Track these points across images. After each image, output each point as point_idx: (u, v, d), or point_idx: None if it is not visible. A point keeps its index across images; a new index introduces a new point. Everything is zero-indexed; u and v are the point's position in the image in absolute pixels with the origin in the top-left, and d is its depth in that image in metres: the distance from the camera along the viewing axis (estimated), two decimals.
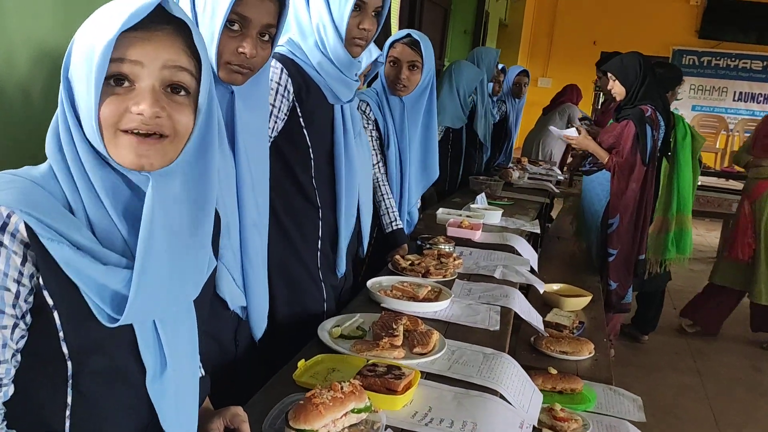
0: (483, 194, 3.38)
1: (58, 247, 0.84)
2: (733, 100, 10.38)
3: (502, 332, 1.74)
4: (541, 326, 2.05)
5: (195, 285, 1.00)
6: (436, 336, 1.58)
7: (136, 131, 0.87)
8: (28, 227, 0.83)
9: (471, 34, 5.89)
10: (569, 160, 6.74)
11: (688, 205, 3.81)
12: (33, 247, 0.84)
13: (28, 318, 0.87)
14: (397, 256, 2.20)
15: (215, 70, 1.28)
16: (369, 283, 1.93)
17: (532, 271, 2.44)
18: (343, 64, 1.66)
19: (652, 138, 3.29)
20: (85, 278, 0.86)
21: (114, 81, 0.86)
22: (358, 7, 1.62)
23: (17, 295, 0.85)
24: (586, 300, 2.80)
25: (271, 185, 1.52)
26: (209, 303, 1.13)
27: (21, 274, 0.85)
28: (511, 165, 4.98)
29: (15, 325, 0.85)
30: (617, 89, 3.31)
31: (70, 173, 0.89)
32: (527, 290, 2.48)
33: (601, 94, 10.56)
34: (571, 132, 3.47)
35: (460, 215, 2.95)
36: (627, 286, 3.45)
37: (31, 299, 0.87)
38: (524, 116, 5.70)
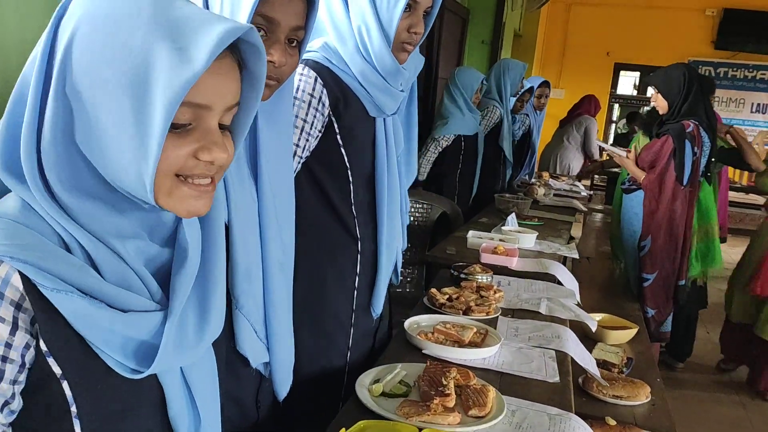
0: (513, 215, 3.15)
1: (67, 298, 0.64)
2: (751, 112, 10.15)
3: (564, 385, 1.50)
4: (596, 371, 1.82)
5: (219, 318, 0.84)
6: (492, 393, 1.35)
7: (196, 177, 0.71)
8: (23, 278, 0.64)
9: (489, 44, 5.68)
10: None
11: (711, 212, 3.52)
12: (30, 302, 0.65)
13: (16, 404, 0.67)
14: (433, 290, 1.97)
15: None
16: (406, 324, 1.70)
17: (578, 304, 2.21)
18: (389, 72, 1.43)
19: (692, 155, 3.06)
20: (103, 332, 0.67)
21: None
22: (409, 7, 1.39)
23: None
24: (632, 332, 2.57)
25: (302, 215, 1.30)
26: (225, 347, 0.97)
27: (8, 346, 0.64)
28: (533, 180, 4.76)
29: None
30: (660, 103, 3.08)
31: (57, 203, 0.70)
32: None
33: (617, 106, 10.45)
34: (611, 147, 3.26)
35: (493, 239, 2.72)
36: (666, 313, 3.21)
37: (22, 378, 0.66)
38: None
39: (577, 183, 5.30)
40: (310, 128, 1.38)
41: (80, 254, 0.69)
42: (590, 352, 2.24)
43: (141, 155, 0.65)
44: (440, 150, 3.71)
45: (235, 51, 0.73)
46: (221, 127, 0.73)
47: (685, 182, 3.07)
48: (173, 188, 0.70)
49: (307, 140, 1.39)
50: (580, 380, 2.09)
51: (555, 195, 4.47)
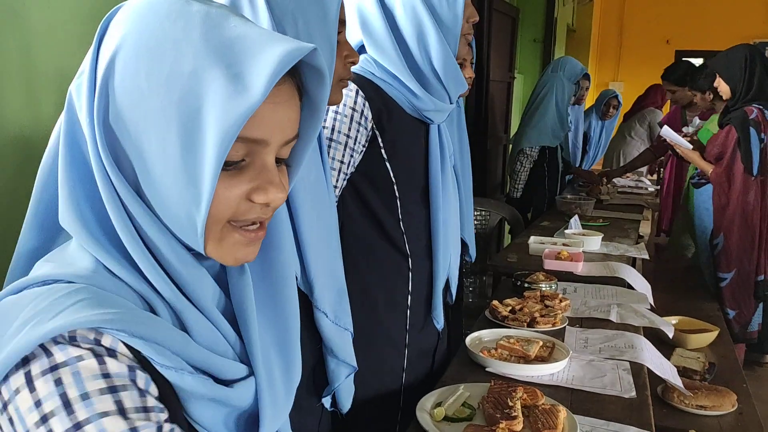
0: (576, 217, 3.03)
1: (178, 376, 0.59)
2: None
3: (641, 401, 1.40)
4: (679, 381, 1.70)
5: (298, 364, 0.79)
6: (563, 414, 1.27)
7: (250, 223, 0.64)
8: (132, 350, 0.58)
9: (541, 42, 5.54)
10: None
11: None
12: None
13: None
14: (495, 302, 1.89)
15: None
16: (468, 340, 1.63)
17: (651, 308, 2.09)
18: (451, 75, 1.41)
19: (759, 143, 2.88)
20: (209, 410, 0.62)
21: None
22: None
23: None
24: (712, 335, 2.41)
25: (348, 231, 1.26)
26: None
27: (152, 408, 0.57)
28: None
29: None
30: (722, 88, 2.92)
31: (136, 263, 0.63)
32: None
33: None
34: (672, 135, 3.07)
35: (556, 243, 2.61)
36: (748, 312, 3.02)
37: None
38: None
39: (642, 178, 5.10)
40: (354, 143, 1.35)
41: (168, 317, 0.62)
42: (668, 359, 2.11)
43: (191, 198, 0.58)
44: (533, 160, 3.72)
45: (295, 74, 0.64)
46: (277, 161, 0.64)
47: (755, 172, 2.89)
48: (224, 235, 0.63)
49: (352, 156, 1.35)
50: (659, 390, 1.97)
51: (620, 193, 4.31)
